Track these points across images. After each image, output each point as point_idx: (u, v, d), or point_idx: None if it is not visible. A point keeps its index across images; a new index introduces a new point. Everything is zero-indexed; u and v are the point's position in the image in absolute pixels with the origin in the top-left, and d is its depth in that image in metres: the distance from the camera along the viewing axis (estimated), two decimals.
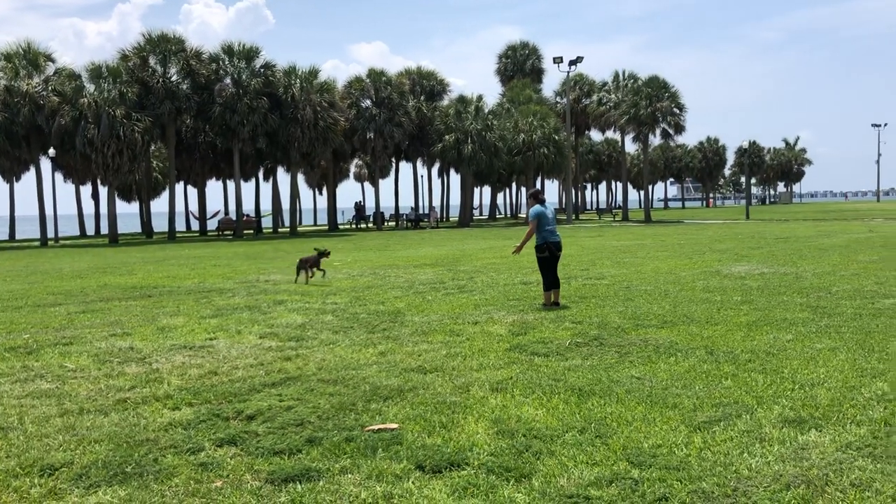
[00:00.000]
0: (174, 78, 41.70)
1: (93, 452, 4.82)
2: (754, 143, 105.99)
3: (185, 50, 41.73)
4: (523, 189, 67.37)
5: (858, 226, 33.00)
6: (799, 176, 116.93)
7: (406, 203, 59.59)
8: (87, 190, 57.78)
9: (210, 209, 56.84)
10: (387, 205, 58.58)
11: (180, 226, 53.70)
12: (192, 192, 60.52)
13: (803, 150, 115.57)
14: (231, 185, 51.85)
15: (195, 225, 58.54)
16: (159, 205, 59.75)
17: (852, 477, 4.14)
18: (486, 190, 78.71)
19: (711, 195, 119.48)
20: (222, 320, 10.14)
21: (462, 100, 51.85)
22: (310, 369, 6.99)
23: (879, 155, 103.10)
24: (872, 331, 8.18)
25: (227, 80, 42.69)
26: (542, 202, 11.03)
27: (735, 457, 4.49)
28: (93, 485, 4.32)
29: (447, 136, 49.55)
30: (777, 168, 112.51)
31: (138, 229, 55.61)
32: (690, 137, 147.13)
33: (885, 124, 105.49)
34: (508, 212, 78.51)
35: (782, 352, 7.27)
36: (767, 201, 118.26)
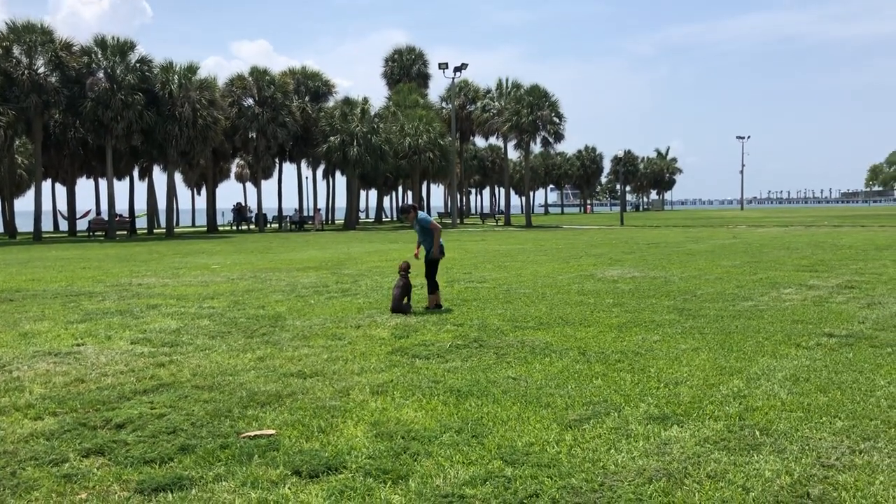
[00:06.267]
0: (41, 70, 39.34)
1: None
2: (629, 152, 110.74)
3: (54, 41, 39.42)
4: (409, 193, 67.59)
5: (724, 232, 34.95)
6: (670, 184, 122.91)
7: (290, 204, 58.69)
8: None
9: (80, 209, 54.11)
10: (270, 206, 57.50)
11: (47, 226, 50.88)
12: (61, 190, 57.61)
13: (674, 160, 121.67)
14: (103, 183, 49.34)
15: (64, 225, 55.49)
16: (24, 203, 56.63)
17: (708, 469, 4.42)
18: (373, 193, 78.64)
19: (589, 201, 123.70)
20: (91, 325, 9.70)
21: (348, 102, 51.41)
22: (184, 375, 6.79)
23: (743, 165, 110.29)
24: (732, 331, 8.72)
25: (100, 75, 40.68)
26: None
27: (603, 453, 4.69)
28: None
29: (332, 138, 49.05)
30: (650, 176, 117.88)
31: (0, 229, 52.19)
32: (569, 146, 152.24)
33: (749, 136, 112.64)
34: (395, 215, 78.56)
35: (649, 352, 7.64)
36: (641, 208, 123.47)
